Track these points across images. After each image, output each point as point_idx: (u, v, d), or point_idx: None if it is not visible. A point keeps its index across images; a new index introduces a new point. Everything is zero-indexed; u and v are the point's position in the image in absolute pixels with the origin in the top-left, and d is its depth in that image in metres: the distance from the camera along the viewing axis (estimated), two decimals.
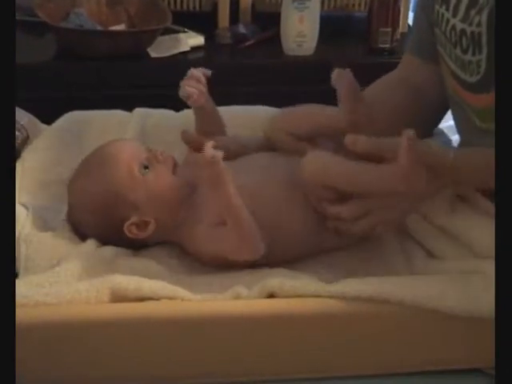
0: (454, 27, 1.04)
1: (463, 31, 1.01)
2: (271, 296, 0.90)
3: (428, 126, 1.27)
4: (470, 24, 1.00)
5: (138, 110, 1.33)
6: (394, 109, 1.18)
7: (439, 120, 1.28)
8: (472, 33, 1.00)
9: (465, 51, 1.03)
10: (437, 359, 0.91)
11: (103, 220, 1.02)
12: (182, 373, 0.90)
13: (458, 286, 0.88)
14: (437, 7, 1.09)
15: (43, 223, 1.05)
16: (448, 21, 1.05)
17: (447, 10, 1.05)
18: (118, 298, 0.90)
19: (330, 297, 0.88)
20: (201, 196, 1.02)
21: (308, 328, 0.88)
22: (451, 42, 1.06)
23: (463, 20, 1.01)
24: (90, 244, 1.02)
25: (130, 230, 1.02)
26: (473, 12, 1.00)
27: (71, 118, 1.30)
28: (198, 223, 1.01)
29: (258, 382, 0.92)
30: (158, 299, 0.89)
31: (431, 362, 0.91)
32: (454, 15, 1.03)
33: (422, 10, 1.19)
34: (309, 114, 1.10)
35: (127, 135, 1.26)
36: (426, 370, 0.92)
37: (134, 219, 1.01)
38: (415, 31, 1.26)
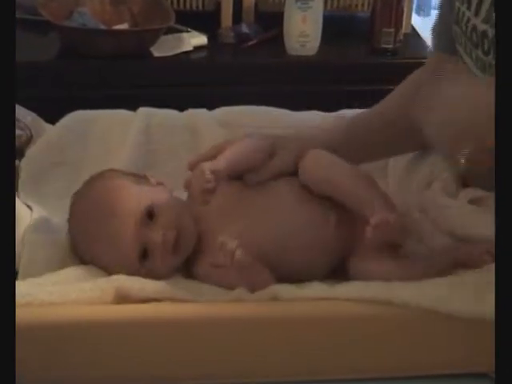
0: (475, 27, 0.98)
1: (485, 33, 0.96)
2: (274, 300, 0.90)
3: None
4: (493, 26, 0.94)
5: (142, 110, 1.33)
6: None
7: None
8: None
9: (486, 53, 0.97)
10: (440, 362, 0.91)
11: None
12: (182, 374, 0.90)
13: (464, 288, 0.87)
14: (458, 4, 1.02)
15: (47, 224, 1.05)
16: (469, 20, 0.99)
17: (468, 8, 0.99)
18: (121, 298, 0.90)
19: (333, 299, 0.88)
20: (208, 228, 1.02)
21: (310, 330, 0.88)
22: (472, 43, 1.00)
23: (485, 21, 0.95)
24: None
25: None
26: None
27: (75, 118, 1.30)
28: (200, 258, 1.01)
29: None
30: (161, 301, 0.89)
31: (434, 365, 0.91)
32: (476, 14, 0.97)
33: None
34: None
35: (131, 135, 1.26)
36: (429, 374, 0.91)
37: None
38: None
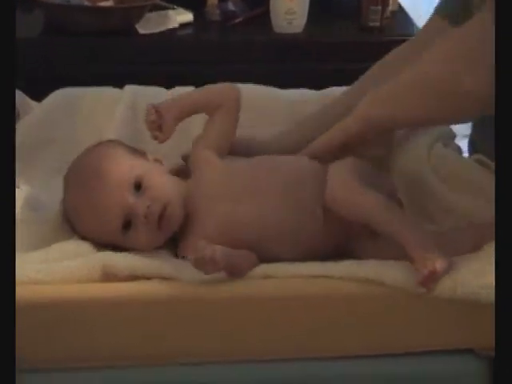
0: None
1: None
2: (265, 278, 0.90)
3: None
4: None
5: (129, 87, 1.33)
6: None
7: None
8: None
9: None
10: (428, 340, 0.91)
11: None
12: (171, 351, 0.90)
13: (452, 271, 0.87)
14: None
15: (36, 203, 1.04)
16: None
17: None
18: (109, 276, 0.89)
19: (324, 277, 0.88)
20: (196, 210, 1.01)
21: (300, 308, 0.88)
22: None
23: None
24: None
25: None
26: None
27: (62, 95, 1.29)
28: (187, 237, 1.01)
29: (251, 362, 0.92)
30: (149, 278, 0.89)
31: (424, 343, 0.91)
32: None
33: None
34: None
35: (118, 112, 1.25)
36: (418, 351, 0.92)
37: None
38: None
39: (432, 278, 0.85)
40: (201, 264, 0.86)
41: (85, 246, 0.96)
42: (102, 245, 0.99)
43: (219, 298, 0.88)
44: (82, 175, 1.02)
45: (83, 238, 1.00)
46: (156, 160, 1.07)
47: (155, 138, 1.05)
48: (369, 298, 0.88)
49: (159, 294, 0.88)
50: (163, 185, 1.01)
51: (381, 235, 0.94)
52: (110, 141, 1.10)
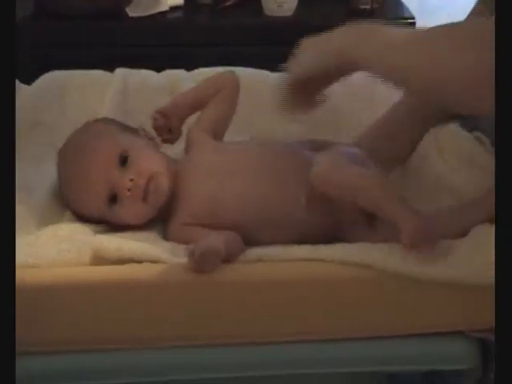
0: None
1: None
2: (258, 261, 0.90)
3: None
4: None
5: (120, 70, 1.32)
6: None
7: None
8: None
9: None
10: (419, 323, 0.92)
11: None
12: (160, 335, 0.90)
13: (441, 254, 0.88)
14: None
15: (24, 186, 1.03)
16: None
17: None
18: (99, 259, 0.89)
19: (314, 260, 0.89)
20: (184, 188, 1.02)
21: (288, 292, 0.89)
22: None
23: None
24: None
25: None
26: None
27: (51, 78, 1.29)
28: (174, 217, 1.01)
29: (239, 345, 0.92)
30: (139, 262, 0.89)
31: (414, 326, 0.92)
32: None
33: None
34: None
35: (109, 95, 1.25)
36: (409, 334, 0.92)
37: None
38: None
39: (418, 235, 0.86)
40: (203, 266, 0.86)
41: (74, 230, 0.96)
42: (93, 221, 1.00)
43: (207, 281, 0.87)
44: (71, 151, 1.04)
45: (75, 213, 1.02)
46: (150, 138, 1.07)
47: (166, 141, 1.08)
48: (359, 281, 0.89)
49: (150, 278, 0.87)
50: (149, 159, 1.02)
51: (368, 223, 0.96)
52: (104, 118, 1.11)
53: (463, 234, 0.90)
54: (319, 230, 0.98)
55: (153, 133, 1.10)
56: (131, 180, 0.98)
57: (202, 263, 0.85)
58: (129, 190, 0.98)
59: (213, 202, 0.99)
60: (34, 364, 0.90)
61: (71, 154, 1.03)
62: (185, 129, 1.11)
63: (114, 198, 0.99)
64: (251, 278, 0.89)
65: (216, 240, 0.88)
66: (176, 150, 1.13)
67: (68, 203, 1.03)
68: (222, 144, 1.08)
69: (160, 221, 1.03)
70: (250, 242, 0.95)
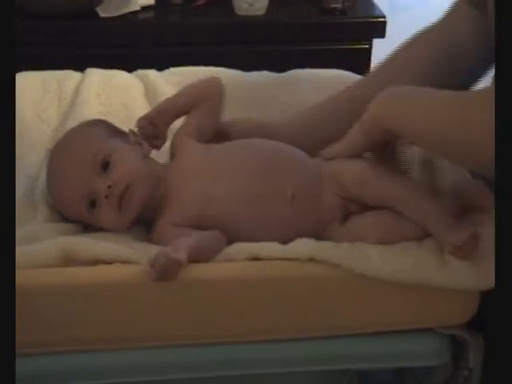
0: None
1: None
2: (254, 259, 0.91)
3: (465, 83, 1.10)
4: None
5: (90, 71, 1.32)
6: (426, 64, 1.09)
7: (479, 77, 1.10)
8: None
9: None
10: (390, 320, 0.93)
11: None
12: (153, 334, 0.91)
13: (410, 257, 0.89)
14: None
15: None
16: None
17: None
18: (69, 260, 0.89)
19: (283, 259, 0.89)
20: (171, 190, 1.02)
21: (262, 291, 0.89)
22: None
23: None
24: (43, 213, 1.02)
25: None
26: None
27: (23, 78, 1.28)
28: (162, 217, 1.01)
29: (212, 345, 0.92)
30: (110, 263, 0.89)
31: (384, 323, 0.93)
32: None
33: None
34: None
35: (82, 97, 1.25)
36: (379, 331, 0.93)
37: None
38: None
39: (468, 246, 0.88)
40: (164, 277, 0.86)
41: (45, 230, 0.96)
42: (77, 222, 1.01)
43: (188, 281, 0.88)
44: (58, 152, 1.05)
45: (60, 213, 1.03)
46: (137, 142, 1.06)
47: (154, 146, 1.09)
48: (328, 279, 0.89)
49: (117, 278, 0.88)
50: (130, 165, 1.01)
51: (351, 221, 0.96)
52: (96, 120, 1.11)
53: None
54: (304, 229, 0.98)
55: None
56: (109, 187, 0.98)
57: (162, 274, 0.85)
58: (106, 196, 0.98)
59: (203, 202, 0.99)
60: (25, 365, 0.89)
61: (57, 155, 1.04)
62: (169, 134, 1.11)
63: (93, 203, 0.99)
64: (234, 276, 0.89)
65: (181, 247, 0.88)
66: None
67: (54, 203, 1.04)
68: (209, 146, 1.08)
69: (143, 223, 1.03)
70: (237, 238, 0.95)
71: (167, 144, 1.11)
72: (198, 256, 0.89)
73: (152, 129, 1.07)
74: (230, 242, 0.95)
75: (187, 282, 0.87)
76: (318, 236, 0.96)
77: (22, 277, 0.84)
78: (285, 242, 0.93)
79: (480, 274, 0.86)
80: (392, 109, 0.94)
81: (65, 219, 1.02)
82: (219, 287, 0.89)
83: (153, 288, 0.87)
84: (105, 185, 0.98)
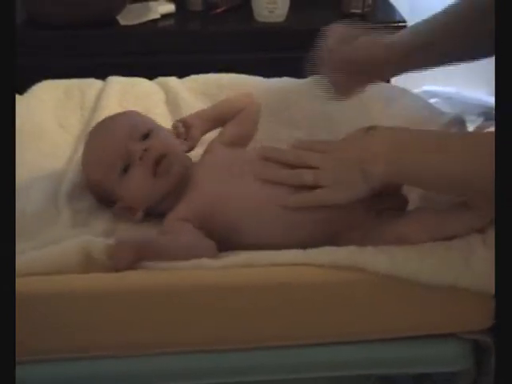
0: None
1: None
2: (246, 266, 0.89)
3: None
4: None
5: (111, 79, 1.33)
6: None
7: None
8: None
9: None
10: (412, 325, 0.91)
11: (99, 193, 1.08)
12: (153, 342, 0.90)
13: (435, 258, 0.87)
14: None
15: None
16: None
17: None
18: (88, 261, 0.88)
19: (305, 264, 0.88)
20: (187, 188, 1.04)
21: (271, 296, 0.88)
22: None
23: None
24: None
25: (120, 212, 1.05)
26: None
27: (45, 87, 1.29)
28: (173, 211, 1.02)
29: (222, 351, 0.91)
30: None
31: (407, 328, 0.92)
32: None
33: None
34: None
35: (104, 104, 1.26)
36: (401, 336, 0.92)
37: (121, 204, 1.05)
38: None
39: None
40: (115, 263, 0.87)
41: (68, 235, 0.96)
42: (104, 199, 1.06)
43: (191, 286, 0.87)
44: (101, 126, 1.11)
45: (92, 190, 1.08)
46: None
47: (189, 149, 1.14)
48: (349, 284, 0.88)
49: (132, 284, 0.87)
50: (168, 139, 1.07)
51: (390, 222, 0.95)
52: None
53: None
54: (309, 228, 0.97)
55: None
56: (145, 150, 1.02)
57: (114, 260, 0.87)
58: (140, 158, 1.02)
59: (214, 200, 1.00)
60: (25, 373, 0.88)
61: (100, 128, 1.10)
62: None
63: (126, 168, 1.03)
64: (238, 283, 0.88)
65: (142, 237, 0.92)
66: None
67: (86, 176, 1.09)
68: (235, 149, 1.11)
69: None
70: (240, 244, 0.96)
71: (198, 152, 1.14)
72: (147, 253, 0.89)
73: (184, 129, 1.13)
74: (240, 244, 0.96)
75: (194, 288, 0.87)
76: (331, 238, 0.96)
77: (20, 284, 0.83)
78: (295, 243, 0.93)
79: None
80: (402, 167, 0.91)
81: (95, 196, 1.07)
82: (246, 292, 0.88)
83: (155, 294, 0.87)
84: (141, 147, 1.02)
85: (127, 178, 1.02)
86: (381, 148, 0.91)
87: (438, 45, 1.08)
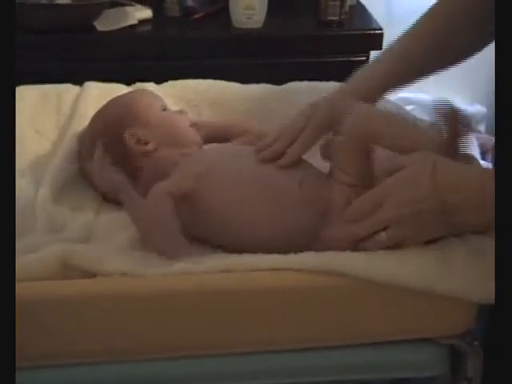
0: None
1: None
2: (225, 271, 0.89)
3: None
4: None
5: (88, 84, 1.32)
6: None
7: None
8: None
9: None
10: (389, 330, 0.92)
11: (112, 131, 1.12)
12: (147, 347, 0.90)
13: (413, 262, 0.88)
14: None
15: None
16: None
17: None
18: (68, 268, 0.89)
19: (286, 269, 0.88)
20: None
21: (262, 301, 0.88)
22: None
23: None
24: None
25: (130, 139, 1.10)
26: None
27: (21, 92, 1.29)
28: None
29: (206, 357, 0.92)
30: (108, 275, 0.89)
31: (383, 333, 0.92)
32: None
33: None
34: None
35: (80, 110, 1.26)
36: (377, 341, 0.93)
37: (138, 130, 1.10)
38: None
39: None
40: None
41: (46, 240, 0.96)
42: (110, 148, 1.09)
43: (175, 292, 0.88)
44: (120, 96, 1.21)
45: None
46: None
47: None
48: (327, 289, 0.88)
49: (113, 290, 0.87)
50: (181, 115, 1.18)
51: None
52: None
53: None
54: (308, 220, 0.98)
55: None
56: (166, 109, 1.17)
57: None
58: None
59: (203, 172, 1.01)
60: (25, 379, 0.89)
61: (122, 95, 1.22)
62: None
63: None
64: (216, 286, 0.88)
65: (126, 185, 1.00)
66: None
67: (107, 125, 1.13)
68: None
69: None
70: (234, 241, 0.97)
71: None
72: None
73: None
74: (230, 233, 0.97)
75: (198, 292, 0.88)
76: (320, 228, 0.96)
77: (21, 289, 0.84)
78: (286, 233, 0.95)
79: (481, 285, 0.86)
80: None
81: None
82: (229, 297, 0.88)
83: (153, 300, 0.87)
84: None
85: (166, 114, 1.15)
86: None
87: (412, 71, 1.12)
